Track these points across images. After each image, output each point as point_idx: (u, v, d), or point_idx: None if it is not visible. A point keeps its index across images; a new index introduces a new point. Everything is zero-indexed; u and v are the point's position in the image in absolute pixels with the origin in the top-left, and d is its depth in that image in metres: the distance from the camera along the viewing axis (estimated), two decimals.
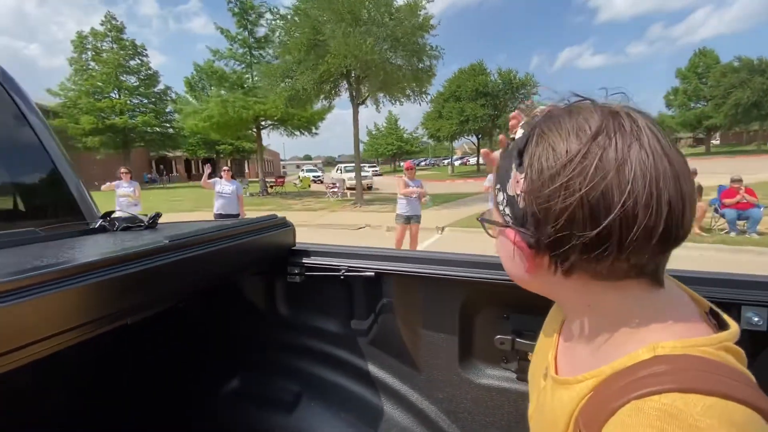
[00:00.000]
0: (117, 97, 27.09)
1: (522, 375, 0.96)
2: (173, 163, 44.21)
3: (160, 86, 29.05)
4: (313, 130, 19.55)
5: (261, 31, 18.68)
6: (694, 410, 0.30)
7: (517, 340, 0.94)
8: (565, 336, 0.50)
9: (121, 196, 6.48)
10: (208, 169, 6.11)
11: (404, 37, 11.84)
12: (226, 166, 7.05)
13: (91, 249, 0.91)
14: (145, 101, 28.23)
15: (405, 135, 53.98)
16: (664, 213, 0.34)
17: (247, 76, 19.05)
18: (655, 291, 0.40)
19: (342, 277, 1.09)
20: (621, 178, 0.33)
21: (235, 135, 20.09)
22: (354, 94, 13.67)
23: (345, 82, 13.64)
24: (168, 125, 28.72)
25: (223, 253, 0.91)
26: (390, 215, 8.05)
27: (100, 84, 26.02)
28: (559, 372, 0.48)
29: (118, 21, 27.80)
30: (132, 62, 27.91)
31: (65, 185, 1.25)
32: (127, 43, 27.86)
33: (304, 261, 1.15)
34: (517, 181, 0.40)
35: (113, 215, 1.21)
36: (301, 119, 17.76)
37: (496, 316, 0.98)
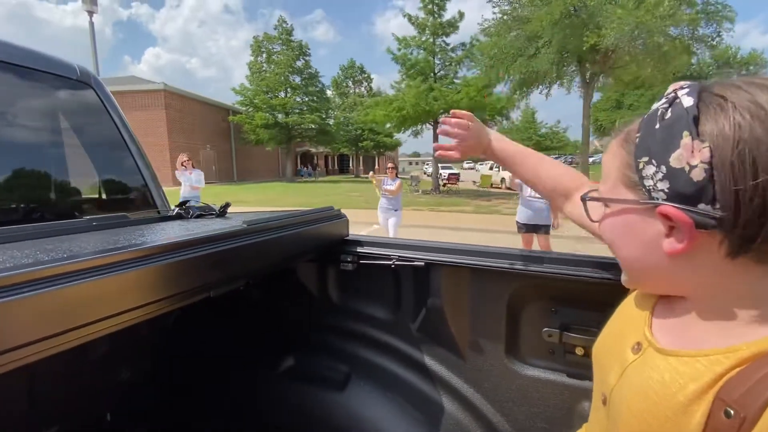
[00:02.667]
0: (286, 95, 28.80)
1: (568, 368, 0.97)
2: (315, 158, 47.03)
3: (318, 86, 30.26)
4: (502, 122, 17.47)
5: (445, 16, 17.29)
6: None
7: (565, 333, 0.95)
8: (665, 313, 0.48)
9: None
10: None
11: None
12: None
13: (177, 231, 0.97)
14: (307, 99, 29.53)
15: (543, 129, 48.92)
16: None
17: (437, 64, 17.76)
18: None
19: (392, 266, 1.11)
20: None
21: (412, 127, 18.95)
22: (588, 76, 11.20)
23: (575, 62, 11.22)
24: (328, 121, 29.69)
25: (288, 238, 0.97)
26: None
27: (273, 83, 27.84)
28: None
29: (288, 24, 29.58)
30: (298, 63, 29.43)
31: (144, 178, 1.40)
32: (295, 45, 29.46)
33: (356, 250, 1.19)
34: (694, 151, 0.36)
35: (187, 204, 1.30)
36: (492, 109, 15.85)
37: (543, 309, 0.99)
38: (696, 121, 0.37)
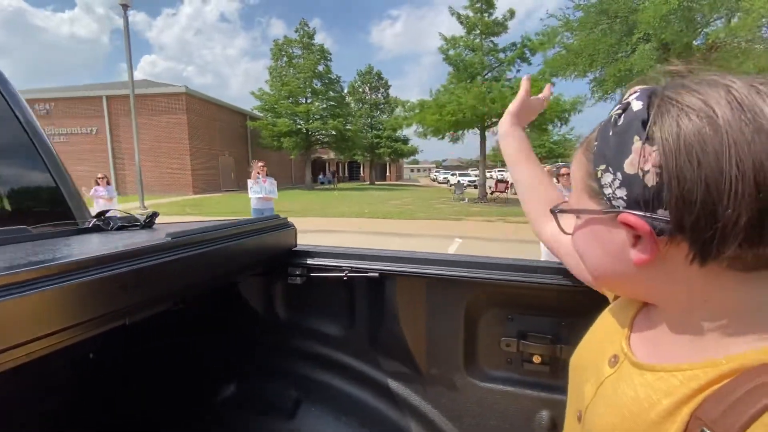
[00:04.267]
0: (309, 101, 27.77)
1: (526, 378, 0.96)
2: (327, 165, 46.00)
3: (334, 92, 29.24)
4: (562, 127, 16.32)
5: (493, 16, 16.35)
6: None
7: (522, 341, 0.94)
8: (644, 326, 0.46)
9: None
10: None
11: None
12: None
13: (86, 246, 0.86)
14: (327, 105, 28.48)
15: (555, 137, 48.31)
16: None
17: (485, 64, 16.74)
18: None
19: (345, 278, 1.05)
20: None
21: (456, 131, 17.88)
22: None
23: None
24: (348, 128, 28.61)
25: (223, 252, 0.88)
26: None
27: (296, 88, 26.77)
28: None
29: (309, 27, 28.64)
30: (319, 67, 28.45)
31: (57, 185, 1.25)
32: (316, 48, 28.51)
33: (305, 262, 1.12)
34: (644, 156, 0.35)
35: (108, 214, 1.15)
36: (553, 112, 14.82)
37: (500, 318, 0.97)
38: (645, 125, 0.36)
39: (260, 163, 7.21)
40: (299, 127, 26.42)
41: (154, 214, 1.17)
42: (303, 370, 1.24)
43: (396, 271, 1.02)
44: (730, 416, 0.31)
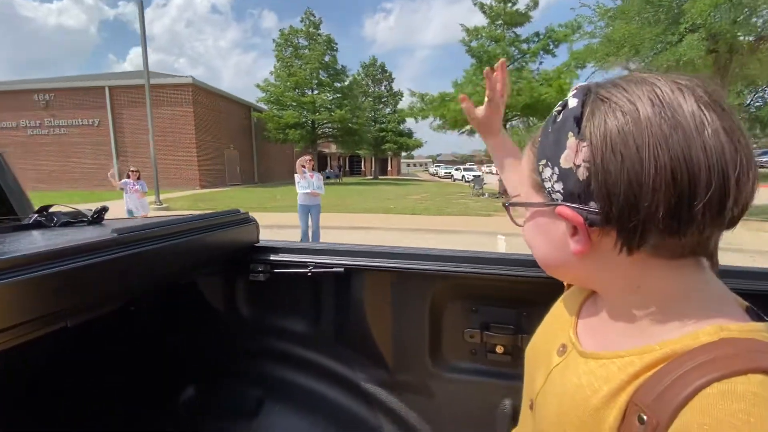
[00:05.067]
0: (316, 92, 27.12)
1: (489, 368, 0.97)
2: (328, 159, 45.36)
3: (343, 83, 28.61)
4: None
5: (516, 5, 15.88)
6: None
7: (485, 332, 0.95)
8: (589, 314, 0.49)
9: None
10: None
11: None
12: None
13: (20, 244, 0.79)
14: (332, 97, 27.86)
15: None
16: (744, 185, 0.33)
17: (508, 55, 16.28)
18: (708, 273, 0.40)
19: (309, 274, 1.04)
20: (707, 143, 0.32)
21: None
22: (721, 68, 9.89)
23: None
24: (355, 121, 28.04)
25: (175, 249, 0.84)
26: None
27: (303, 79, 26.10)
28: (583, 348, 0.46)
29: (315, 17, 27.92)
30: (326, 58, 27.77)
31: None
32: (322, 39, 27.81)
33: (268, 258, 1.09)
34: (577, 151, 0.37)
35: (51, 209, 1.07)
36: None
37: (464, 310, 0.98)
38: (578, 121, 0.38)
39: (307, 157, 6.82)
40: (305, 119, 25.81)
41: (103, 209, 1.06)
42: (266, 368, 1.20)
43: (361, 265, 1.01)
44: (664, 400, 0.32)
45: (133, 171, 7.11)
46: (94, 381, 1.19)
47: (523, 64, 16.06)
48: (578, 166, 0.37)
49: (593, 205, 0.37)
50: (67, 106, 20.79)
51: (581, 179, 0.37)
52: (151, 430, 1.21)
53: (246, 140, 27.05)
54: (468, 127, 16.98)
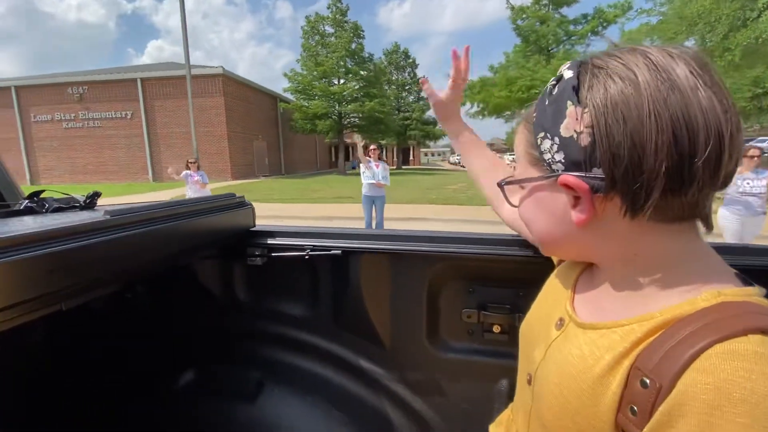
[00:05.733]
0: (343, 81, 26.67)
1: (486, 347, 0.99)
2: (350, 149, 45.03)
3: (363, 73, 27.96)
4: None
5: None
6: None
7: (482, 312, 0.96)
8: (586, 287, 0.49)
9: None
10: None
11: None
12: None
13: (10, 227, 0.79)
14: (362, 84, 27.32)
15: None
16: (736, 143, 0.35)
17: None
18: (702, 240, 0.41)
19: (306, 258, 1.04)
20: (702, 102, 0.34)
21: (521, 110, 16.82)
22: None
23: None
24: (381, 111, 27.50)
25: (169, 232, 0.83)
26: None
27: (331, 68, 25.65)
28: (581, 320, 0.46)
29: (342, 3, 27.30)
30: (352, 45, 27.21)
31: None
32: (349, 26, 27.23)
33: (264, 242, 1.10)
34: (578, 118, 0.38)
35: (42, 195, 1.05)
36: None
37: (461, 290, 0.99)
38: (576, 90, 0.39)
39: (372, 146, 6.49)
40: (333, 108, 25.43)
41: (96, 194, 1.04)
42: (265, 352, 1.21)
43: (358, 247, 1.02)
44: (666, 364, 0.33)
45: (192, 162, 6.97)
46: (92, 367, 1.19)
47: (570, 46, 15.29)
48: (580, 133, 0.38)
49: (597, 171, 0.37)
50: (101, 98, 20.91)
51: (583, 145, 0.38)
52: (149, 413, 1.21)
53: (273, 131, 26.89)
54: (507, 112, 16.33)
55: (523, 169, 0.47)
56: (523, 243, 0.88)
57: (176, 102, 20.45)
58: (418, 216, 9.12)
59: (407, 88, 38.20)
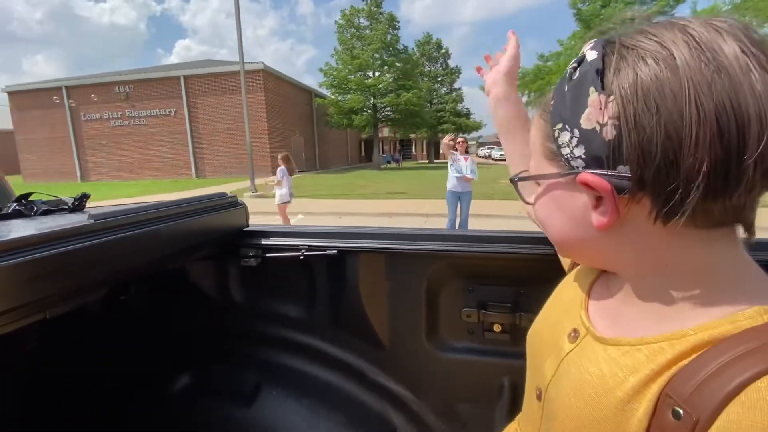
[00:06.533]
0: (378, 74, 26.28)
1: (487, 347, 0.97)
2: (381, 144, 44.69)
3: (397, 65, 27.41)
4: None
5: None
6: None
7: (482, 311, 0.95)
8: (602, 295, 0.44)
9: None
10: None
11: None
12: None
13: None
14: (393, 79, 26.85)
15: None
16: None
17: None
18: (741, 246, 0.35)
19: (302, 258, 1.02)
20: (755, 87, 0.28)
21: None
22: None
23: None
24: (415, 103, 26.97)
25: (158, 234, 0.81)
26: None
27: (367, 61, 25.29)
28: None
29: None
30: (387, 37, 26.73)
31: None
32: (384, 18, 26.74)
33: (258, 242, 1.08)
34: (601, 108, 0.32)
35: (30, 197, 1.05)
36: None
37: (461, 289, 0.98)
38: (600, 74, 0.33)
39: (460, 138, 6.09)
40: (368, 102, 25.12)
41: (84, 196, 1.03)
42: (262, 353, 1.20)
43: (355, 247, 1.01)
44: (704, 393, 0.28)
45: (283, 157, 7.14)
46: (89, 369, 1.18)
47: None
48: (603, 125, 0.32)
49: (622, 169, 0.32)
50: (145, 97, 21.32)
51: (607, 139, 0.32)
52: (146, 415, 1.20)
53: (308, 126, 26.84)
54: None
55: (539, 164, 0.41)
56: (523, 240, 0.86)
57: (217, 98, 20.62)
58: (490, 213, 8.68)
59: (440, 79, 37.44)
